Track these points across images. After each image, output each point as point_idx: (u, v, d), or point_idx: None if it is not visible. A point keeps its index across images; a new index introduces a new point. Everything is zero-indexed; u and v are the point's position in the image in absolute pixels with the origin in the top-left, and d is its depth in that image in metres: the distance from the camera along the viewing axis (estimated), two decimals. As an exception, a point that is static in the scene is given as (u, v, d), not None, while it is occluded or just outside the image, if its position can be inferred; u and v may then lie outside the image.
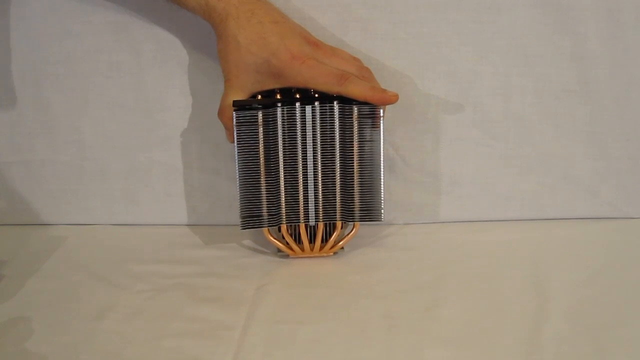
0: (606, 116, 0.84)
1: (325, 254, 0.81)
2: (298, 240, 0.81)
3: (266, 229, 0.79)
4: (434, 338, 0.68)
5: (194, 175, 0.87)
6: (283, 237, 0.80)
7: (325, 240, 0.81)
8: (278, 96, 0.76)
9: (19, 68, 0.84)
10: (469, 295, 0.74)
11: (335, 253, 0.82)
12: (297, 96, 0.76)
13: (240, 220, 0.77)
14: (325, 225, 0.80)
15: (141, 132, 0.86)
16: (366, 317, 0.71)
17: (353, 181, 0.78)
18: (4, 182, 0.88)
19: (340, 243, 0.81)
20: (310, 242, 0.80)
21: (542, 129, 0.85)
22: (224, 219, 0.87)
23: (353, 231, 0.81)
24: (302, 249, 0.81)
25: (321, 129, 0.76)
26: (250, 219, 0.77)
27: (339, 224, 0.80)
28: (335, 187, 0.78)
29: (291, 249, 0.81)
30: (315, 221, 0.79)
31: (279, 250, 0.81)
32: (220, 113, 0.76)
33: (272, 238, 0.80)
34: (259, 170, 0.76)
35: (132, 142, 0.86)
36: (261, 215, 0.78)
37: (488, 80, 0.83)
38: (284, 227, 0.79)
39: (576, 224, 0.87)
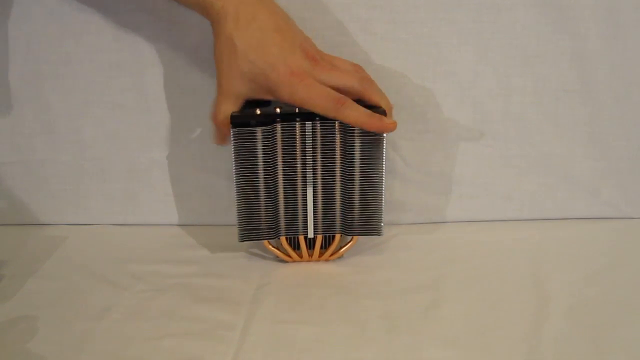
0: (606, 116, 0.84)
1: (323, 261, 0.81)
2: (297, 246, 0.80)
3: None
4: (434, 338, 0.68)
5: (194, 175, 0.87)
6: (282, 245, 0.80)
7: (324, 247, 0.80)
8: (277, 110, 0.73)
9: (19, 68, 0.84)
10: (469, 295, 0.74)
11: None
12: (297, 111, 0.73)
13: (239, 232, 0.77)
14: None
15: (141, 132, 0.86)
16: (366, 317, 0.71)
17: (353, 196, 0.76)
18: (4, 182, 0.88)
19: (341, 251, 0.80)
20: (309, 248, 0.80)
21: (542, 129, 0.85)
22: (224, 219, 0.87)
23: (351, 242, 0.80)
24: (300, 256, 0.80)
25: (321, 144, 0.75)
26: (249, 231, 0.77)
27: (337, 235, 0.79)
28: (335, 201, 0.77)
29: (290, 256, 0.81)
30: (314, 234, 0.78)
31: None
32: (213, 116, 0.75)
33: (271, 247, 0.80)
34: (258, 183, 0.75)
35: (132, 142, 0.86)
36: (259, 228, 0.77)
37: (488, 80, 0.83)
38: (282, 237, 0.79)
39: (576, 224, 0.87)
